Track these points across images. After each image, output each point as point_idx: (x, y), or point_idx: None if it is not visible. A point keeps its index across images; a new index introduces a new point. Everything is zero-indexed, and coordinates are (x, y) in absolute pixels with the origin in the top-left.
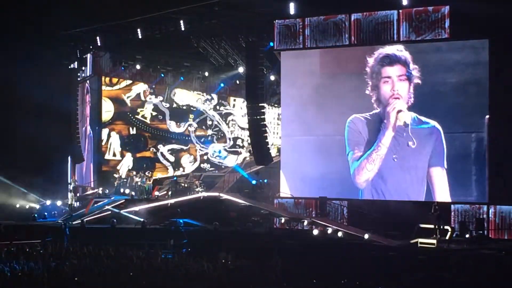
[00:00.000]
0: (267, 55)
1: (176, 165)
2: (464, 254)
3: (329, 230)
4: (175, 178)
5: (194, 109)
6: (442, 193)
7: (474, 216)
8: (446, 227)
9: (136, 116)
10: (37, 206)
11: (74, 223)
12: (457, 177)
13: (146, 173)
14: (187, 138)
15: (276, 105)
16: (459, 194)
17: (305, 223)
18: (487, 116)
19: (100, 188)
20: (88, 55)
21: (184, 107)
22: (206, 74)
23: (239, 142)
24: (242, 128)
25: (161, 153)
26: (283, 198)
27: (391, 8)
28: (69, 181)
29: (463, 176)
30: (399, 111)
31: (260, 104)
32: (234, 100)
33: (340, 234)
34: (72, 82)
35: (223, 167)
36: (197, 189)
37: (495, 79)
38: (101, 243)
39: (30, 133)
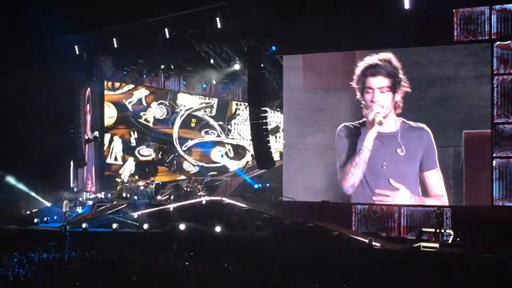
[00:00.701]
0: (269, 59)
1: (178, 169)
2: (466, 258)
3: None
4: (177, 183)
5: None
6: (440, 196)
7: (475, 219)
8: (448, 231)
9: (139, 120)
10: (39, 211)
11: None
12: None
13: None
14: (188, 141)
15: (279, 109)
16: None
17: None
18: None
19: (103, 193)
20: (91, 59)
21: (186, 111)
22: (208, 78)
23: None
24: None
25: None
26: (286, 202)
27: (392, 12)
28: (71, 186)
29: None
30: (376, 114)
31: (263, 108)
32: (237, 104)
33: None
34: (74, 86)
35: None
36: (199, 193)
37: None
38: (104, 248)
39: (32, 138)
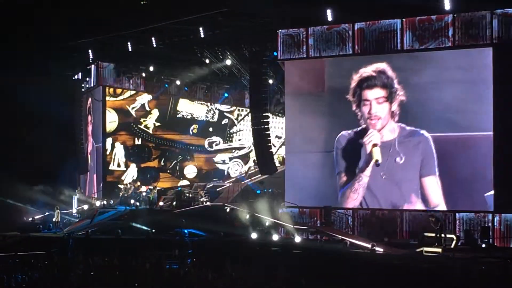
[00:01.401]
0: (270, 64)
1: (180, 175)
2: (469, 263)
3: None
4: (179, 189)
5: (198, 119)
6: (437, 202)
7: (479, 224)
8: (450, 235)
9: (139, 126)
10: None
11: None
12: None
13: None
14: (190, 147)
15: (280, 115)
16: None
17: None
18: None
19: (105, 199)
20: (92, 66)
21: (188, 117)
22: (210, 84)
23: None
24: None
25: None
26: (288, 208)
27: (394, 17)
28: (73, 193)
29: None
30: (374, 145)
31: (264, 114)
32: (239, 110)
33: (345, 243)
34: (76, 93)
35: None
36: (201, 199)
37: (499, 86)
38: (106, 254)
39: (34, 144)
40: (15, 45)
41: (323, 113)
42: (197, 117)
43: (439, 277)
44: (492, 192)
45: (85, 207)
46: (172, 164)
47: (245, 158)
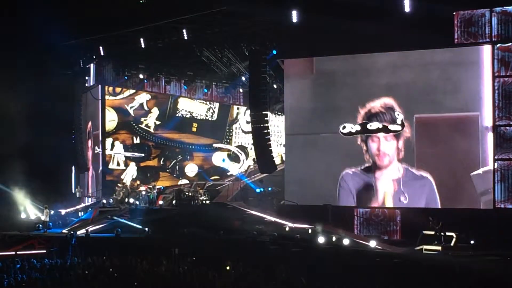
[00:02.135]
0: (270, 63)
1: (180, 174)
2: (469, 261)
3: (334, 238)
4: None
5: (198, 117)
6: None
7: (478, 222)
8: (450, 233)
9: (140, 125)
10: (42, 216)
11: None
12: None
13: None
14: (190, 146)
15: (280, 113)
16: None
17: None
18: None
19: (104, 198)
20: (91, 65)
21: (188, 116)
22: (209, 82)
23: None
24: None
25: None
26: (287, 206)
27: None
28: (73, 191)
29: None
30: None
31: (264, 112)
32: (238, 108)
33: (345, 241)
34: (75, 92)
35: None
36: (201, 198)
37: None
38: (106, 253)
39: (33, 143)
40: (14, 44)
41: (323, 111)
42: (197, 116)
43: (439, 275)
44: (480, 170)
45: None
46: (171, 163)
47: (245, 157)
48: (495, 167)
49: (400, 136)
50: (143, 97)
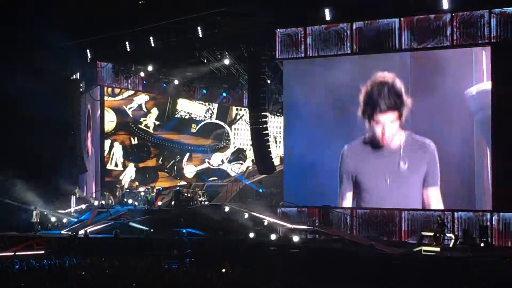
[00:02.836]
0: (269, 64)
1: (178, 175)
2: (468, 262)
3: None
4: (177, 188)
5: (197, 118)
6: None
7: (477, 223)
8: (449, 234)
9: (139, 125)
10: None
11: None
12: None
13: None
14: (188, 147)
15: (279, 114)
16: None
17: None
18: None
19: (103, 199)
20: (91, 66)
21: (187, 117)
22: (208, 83)
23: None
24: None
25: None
26: (286, 207)
27: (392, 17)
28: (72, 192)
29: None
30: None
31: (263, 113)
32: (237, 109)
33: (343, 242)
34: (74, 93)
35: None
36: (200, 199)
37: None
38: (105, 254)
39: (32, 145)
40: (13, 45)
41: (322, 112)
42: (196, 117)
43: (438, 276)
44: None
45: (83, 206)
46: (170, 164)
47: (243, 158)
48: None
49: (403, 112)
50: (141, 98)
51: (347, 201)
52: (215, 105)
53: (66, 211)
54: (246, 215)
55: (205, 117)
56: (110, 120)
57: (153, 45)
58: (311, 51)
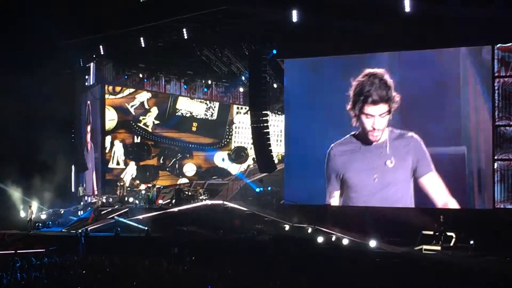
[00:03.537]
0: (270, 62)
1: (179, 173)
2: (468, 261)
3: (333, 237)
4: (178, 187)
5: (197, 117)
6: (442, 198)
7: (478, 222)
8: (450, 233)
9: (139, 124)
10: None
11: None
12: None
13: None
14: (190, 145)
15: (280, 113)
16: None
17: (309, 230)
18: None
19: (104, 197)
20: (91, 64)
21: (188, 115)
22: (209, 82)
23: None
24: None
25: None
26: (287, 205)
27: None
28: (73, 190)
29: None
30: None
31: (264, 112)
32: (238, 108)
33: (344, 241)
34: (75, 91)
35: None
36: (200, 197)
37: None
38: (106, 252)
39: (33, 142)
40: (14, 42)
41: (323, 110)
42: (197, 115)
43: (438, 275)
44: None
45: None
46: (171, 162)
47: (244, 156)
48: (495, 167)
49: (392, 109)
50: (144, 96)
51: (334, 199)
52: (216, 104)
53: (68, 209)
54: (247, 213)
55: (205, 115)
56: (111, 119)
57: (154, 43)
58: (312, 49)
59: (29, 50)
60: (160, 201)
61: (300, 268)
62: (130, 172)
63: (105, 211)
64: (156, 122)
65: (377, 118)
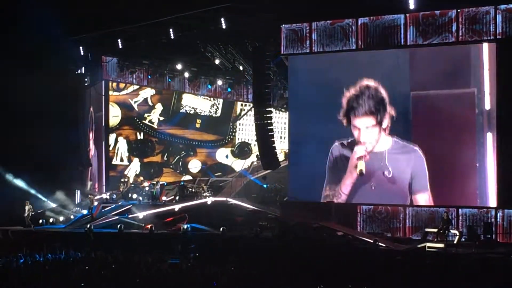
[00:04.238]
0: (274, 59)
1: (183, 170)
2: (472, 259)
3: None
4: (182, 183)
5: (201, 113)
6: None
7: (482, 220)
8: (453, 231)
9: (143, 121)
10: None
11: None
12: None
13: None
14: (194, 142)
15: (283, 110)
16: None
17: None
18: None
19: (108, 193)
20: (95, 60)
21: (192, 112)
22: (213, 78)
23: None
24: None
25: None
26: (291, 202)
27: (398, 12)
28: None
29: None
30: (359, 158)
31: (267, 109)
32: (242, 105)
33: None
34: (79, 88)
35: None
36: (204, 194)
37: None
38: (109, 248)
39: (37, 139)
40: (17, 40)
41: (327, 107)
42: (201, 112)
43: (442, 272)
44: None
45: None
46: (175, 160)
47: (248, 153)
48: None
49: (384, 119)
50: (147, 92)
51: (337, 197)
52: (220, 100)
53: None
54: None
55: (210, 112)
56: (115, 115)
57: (157, 40)
58: (316, 46)
59: (33, 46)
60: (164, 198)
61: (303, 265)
62: (134, 168)
63: (109, 208)
64: (161, 118)
65: (362, 131)
